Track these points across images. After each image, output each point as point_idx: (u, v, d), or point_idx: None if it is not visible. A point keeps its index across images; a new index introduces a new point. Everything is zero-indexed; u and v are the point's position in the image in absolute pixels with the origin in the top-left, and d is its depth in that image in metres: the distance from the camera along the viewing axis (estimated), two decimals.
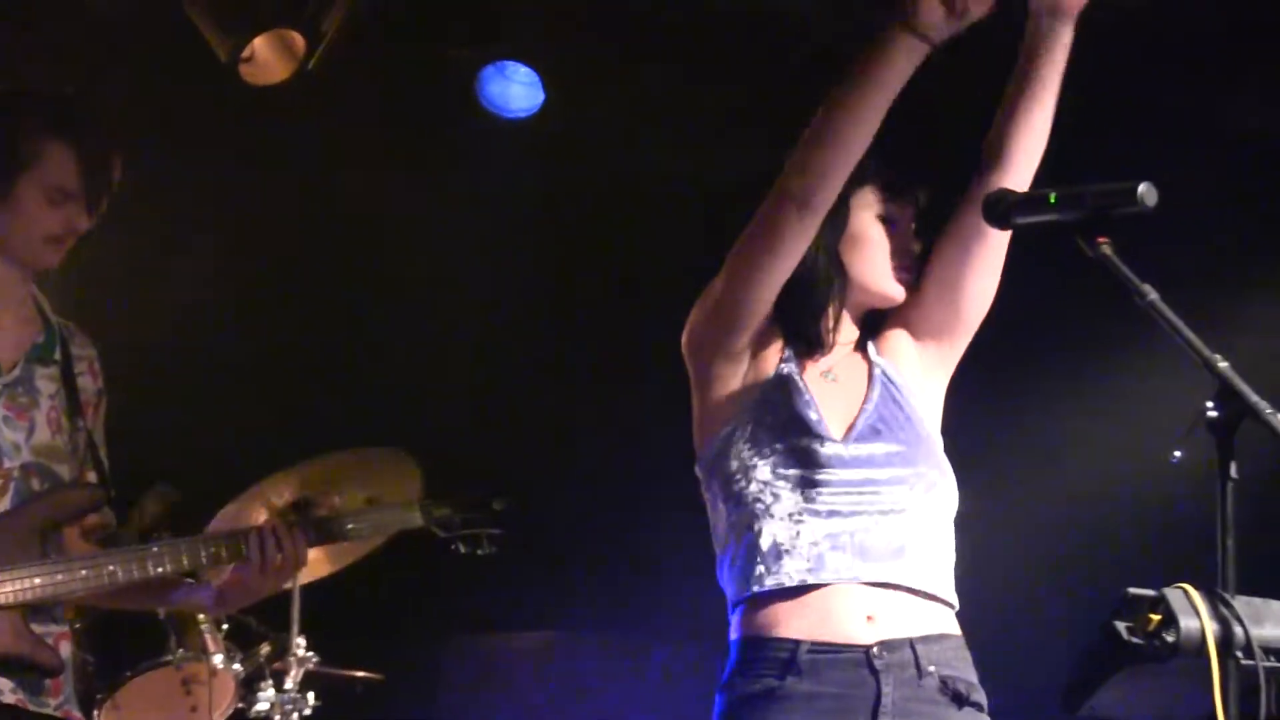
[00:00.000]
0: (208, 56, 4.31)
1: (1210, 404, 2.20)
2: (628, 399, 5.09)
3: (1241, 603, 2.19)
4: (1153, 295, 2.27)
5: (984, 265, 2.73)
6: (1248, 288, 4.38)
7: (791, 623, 2.58)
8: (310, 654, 4.41)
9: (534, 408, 5.36)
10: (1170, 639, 2.19)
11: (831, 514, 2.61)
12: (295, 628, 4.36)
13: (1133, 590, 2.25)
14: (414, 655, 5.16)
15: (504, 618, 5.31)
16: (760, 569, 2.60)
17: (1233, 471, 2.19)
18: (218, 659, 4.27)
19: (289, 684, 4.36)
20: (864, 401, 2.72)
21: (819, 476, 2.61)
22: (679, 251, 3.78)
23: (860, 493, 2.62)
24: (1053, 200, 2.36)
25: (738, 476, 2.65)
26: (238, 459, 4.41)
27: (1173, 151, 3.83)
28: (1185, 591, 2.21)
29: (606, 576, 5.04)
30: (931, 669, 2.58)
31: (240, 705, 4.40)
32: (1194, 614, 2.19)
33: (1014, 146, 2.66)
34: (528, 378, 5.36)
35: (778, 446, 2.63)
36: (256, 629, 4.52)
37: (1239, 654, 2.17)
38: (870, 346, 2.80)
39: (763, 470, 2.62)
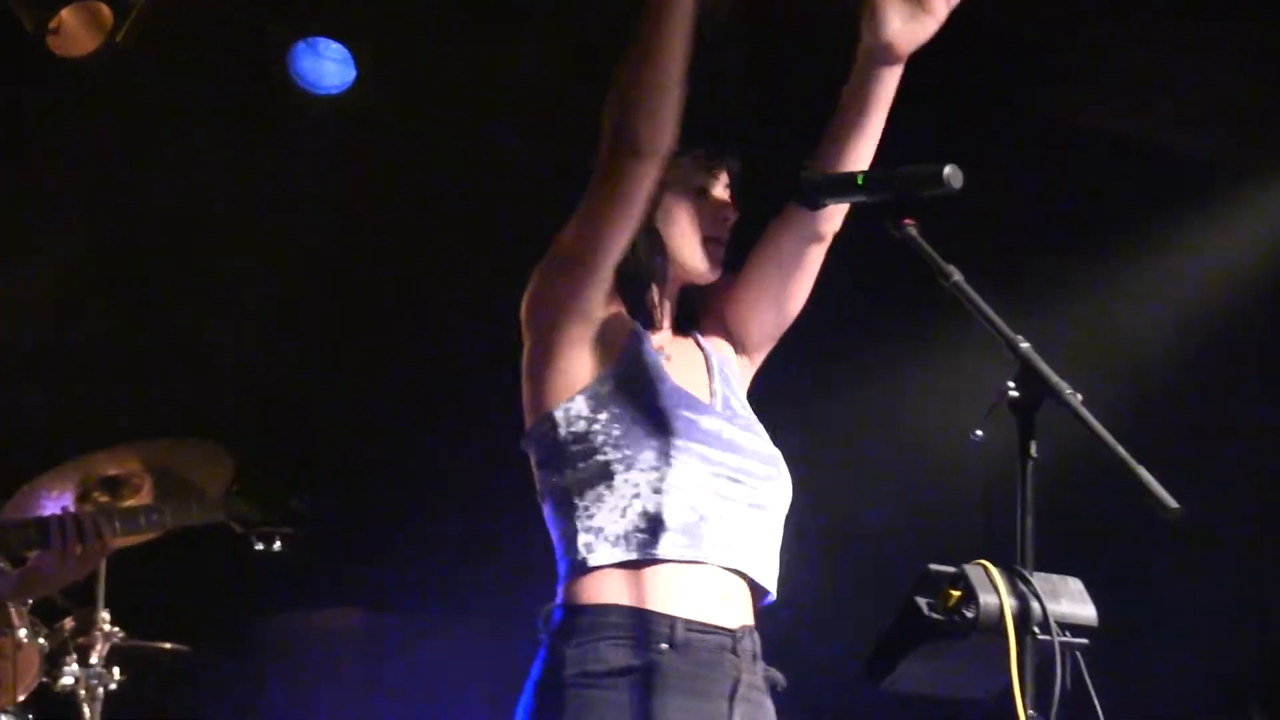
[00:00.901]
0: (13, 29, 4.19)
1: (1011, 384, 2.24)
2: (443, 382, 5.06)
3: (1040, 579, 2.24)
4: (957, 276, 2.31)
5: (802, 265, 2.74)
6: (1052, 271, 4.50)
7: (670, 598, 2.53)
8: (116, 628, 4.40)
9: (351, 392, 5.32)
10: (970, 615, 2.22)
11: (709, 492, 2.57)
12: (100, 601, 4.34)
13: (933, 566, 2.28)
14: (222, 628, 5.14)
15: (314, 593, 5.26)
16: (636, 539, 2.53)
17: (1033, 450, 2.24)
18: (21, 633, 4.21)
19: (94, 659, 4.35)
20: (710, 383, 2.70)
21: (699, 450, 2.57)
22: (488, 230, 3.76)
23: (735, 478, 2.60)
24: (860, 182, 2.38)
25: (601, 443, 2.55)
26: (44, 444, 4.28)
27: (979, 136, 3.90)
28: (985, 568, 2.24)
29: (418, 555, 5.02)
30: (759, 657, 2.60)
31: (45, 680, 4.34)
32: (993, 590, 2.22)
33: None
34: (344, 362, 5.30)
35: (653, 415, 2.57)
36: (61, 604, 4.46)
37: (1036, 630, 2.21)
38: (695, 331, 2.78)
39: (634, 438, 2.55)
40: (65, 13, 4.20)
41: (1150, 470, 2.20)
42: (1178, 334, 5.10)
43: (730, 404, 2.71)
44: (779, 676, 2.65)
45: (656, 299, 2.71)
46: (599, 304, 2.61)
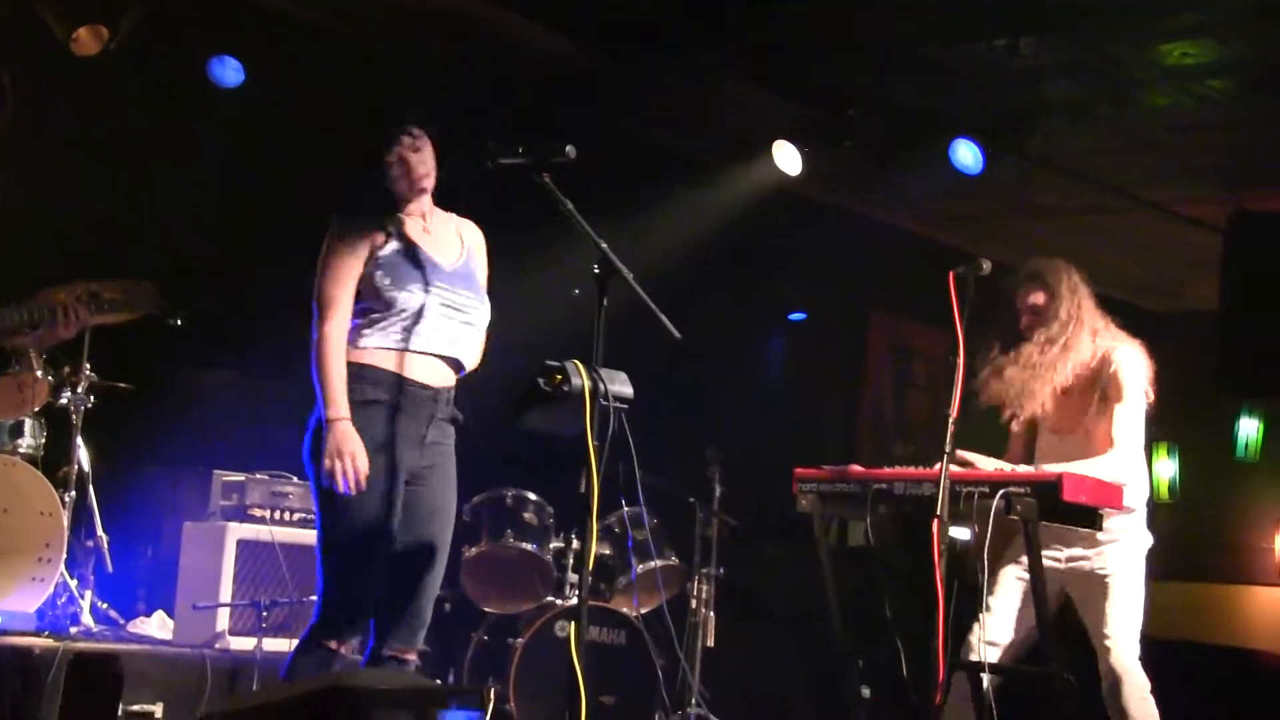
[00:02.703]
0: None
1: (596, 265, 3.84)
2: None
3: (604, 371, 3.81)
4: (569, 205, 3.88)
5: None
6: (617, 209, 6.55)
7: (427, 372, 4.16)
8: (93, 373, 6.21)
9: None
10: (566, 389, 3.76)
11: (439, 315, 4.18)
12: (84, 355, 6.12)
13: (548, 361, 3.82)
14: (152, 376, 6.62)
15: (206, 358, 7.08)
16: (404, 336, 4.10)
17: (604, 302, 3.80)
18: (39, 371, 5.89)
19: (80, 389, 6.16)
20: (460, 253, 4.27)
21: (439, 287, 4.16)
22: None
23: (458, 306, 4.22)
24: (520, 150, 3.91)
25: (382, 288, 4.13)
26: None
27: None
28: (576, 364, 3.80)
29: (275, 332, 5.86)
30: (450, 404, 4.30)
31: (50, 399, 6.08)
32: (580, 376, 3.77)
33: None
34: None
35: (412, 270, 4.15)
36: (62, 356, 6.08)
37: (601, 399, 3.78)
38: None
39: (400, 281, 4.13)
40: (81, 30, 6.11)
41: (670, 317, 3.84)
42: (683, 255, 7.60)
43: (468, 265, 4.30)
44: (458, 413, 4.28)
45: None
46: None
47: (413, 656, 4.19)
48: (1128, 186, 8.63)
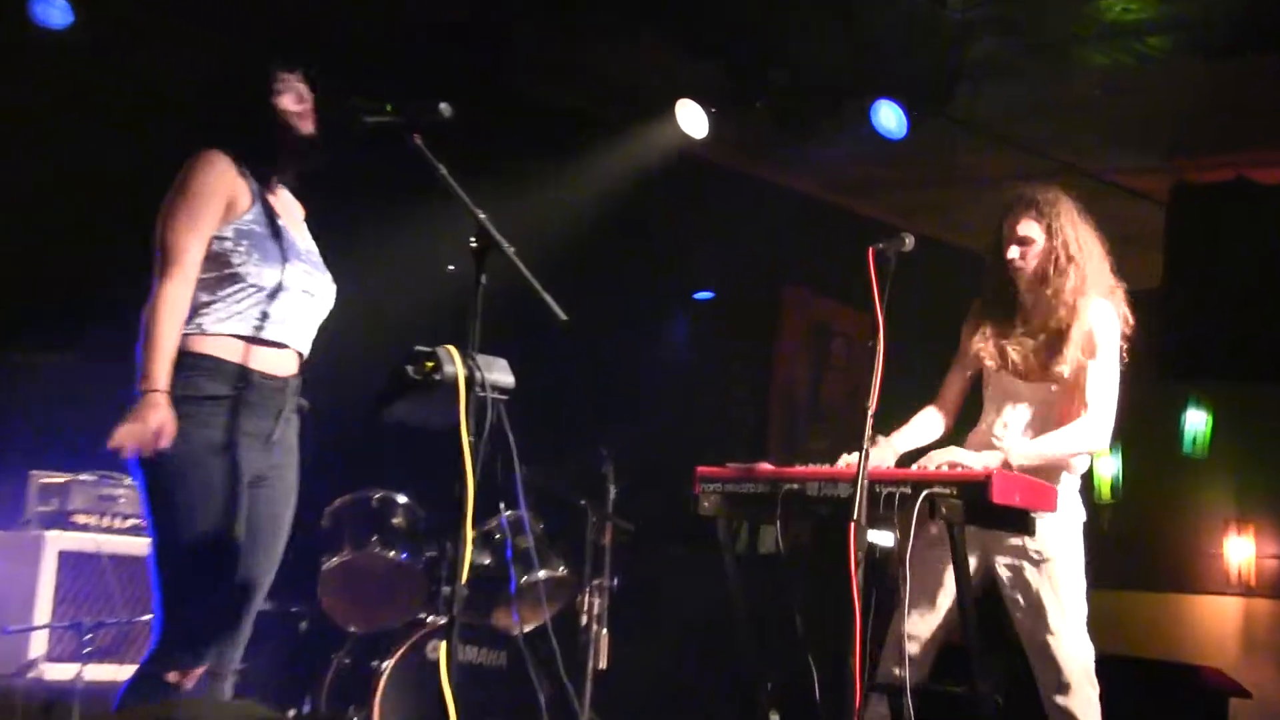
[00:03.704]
0: None
1: (473, 238, 3.79)
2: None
3: (481, 357, 3.75)
4: (444, 170, 3.85)
5: None
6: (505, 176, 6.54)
7: (276, 362, 4.13)
8: None
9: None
10: (438, 377, 3.71)
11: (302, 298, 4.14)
12: None
13: (418, 347, 3.76)
14: None
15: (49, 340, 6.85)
16: (257, 323, 4.04)
17: (482, 280, 3.76)
18: None
19: None
20: (302, 227, 4.21)
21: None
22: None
23: (307, 289, 4.18)
24: (390, 109, 3.87)
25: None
26: None
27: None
28: (448, 349, 3.75)
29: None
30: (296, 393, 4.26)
31: None
32: (453, 363, 3.72)
33: None
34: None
35: (272, 245, 4.09)
36: None
37: (478, 388, 3.74)
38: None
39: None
40: None
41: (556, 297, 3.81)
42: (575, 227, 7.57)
43: (310, 241, 4.27)
44: (305, 403, 4.24)
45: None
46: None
47: (228, 675, 4.13)
48: (1062, 154, 8.75)
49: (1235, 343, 8.95)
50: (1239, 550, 10.80)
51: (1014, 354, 5.02)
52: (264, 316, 4.07)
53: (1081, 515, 5.00)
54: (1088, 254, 4.99)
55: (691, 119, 7.81)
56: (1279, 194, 8.82)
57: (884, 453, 4.91)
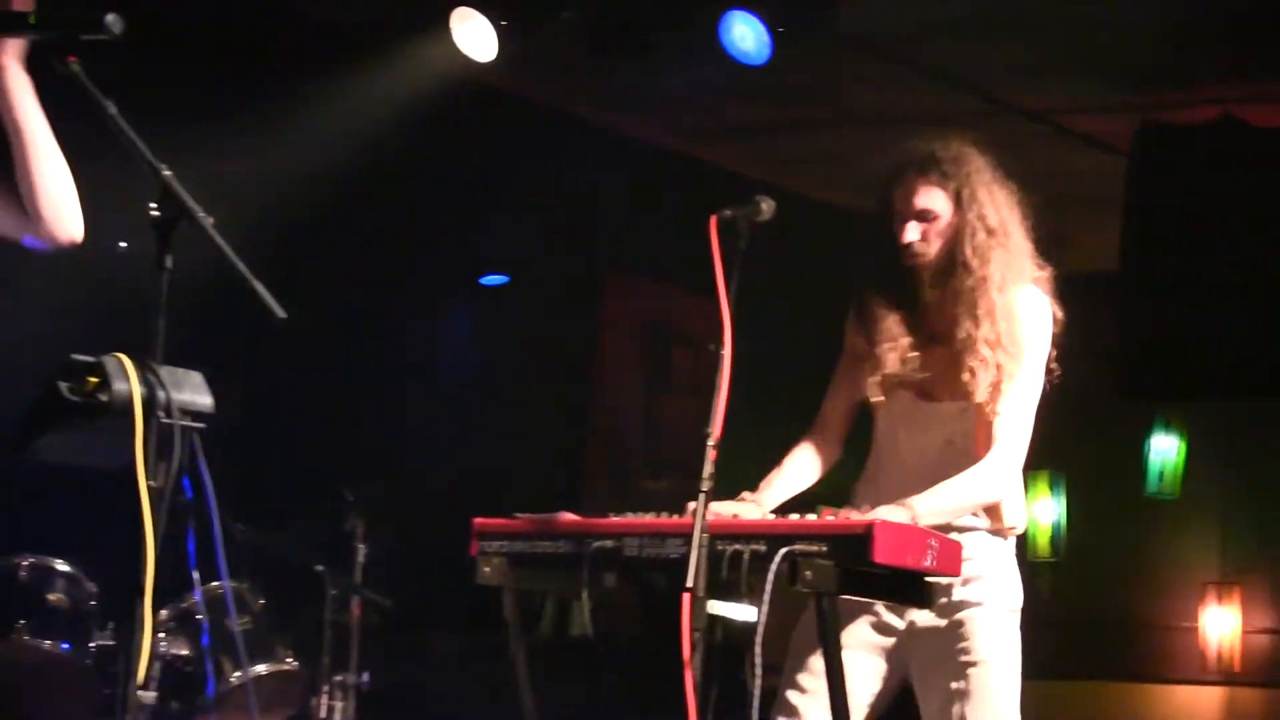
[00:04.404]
0: None
1: (154, 205, 3.73)
2: None
3: (166, 371, 3.71)
4: (113, 109, 3.81)
5: None
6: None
7: None
8: None
9: None
10: (104, 398, 3.65)
11: None
12: None
13: (75, 356, 3.69)
14: None
15: None
16: None
17: (168, 263, 3.72)
18: None
19: None
20: None
21: None
22: None
23: None
24: (32, 20, 3.84)
25: None
26: None
27: None
28: (120, 360, 3.67)
29: None
30: None
31: None
32: (125, 378, 3.66)
33: None
34: None
35: None
36: None
37: (161, 413, 3.68)
38: None
39: None
40: None
41: (276, 285, 3.77)
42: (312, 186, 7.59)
43: None
44: None
45: None
46: None
47: None
48: (989, 86, 8.91)
49: (1216, 347, 9.14)
50: (1220, 623, 11.06)
51: (914, 367, 5.09)
52: None
53: (1020, 595, 5.11)
54: (1009, 230, 5.07)
55: (473, 35, 7.82)
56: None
57: (750, 511, 4.95)
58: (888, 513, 4.68)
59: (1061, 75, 8.84)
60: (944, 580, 4.78)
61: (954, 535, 4.76)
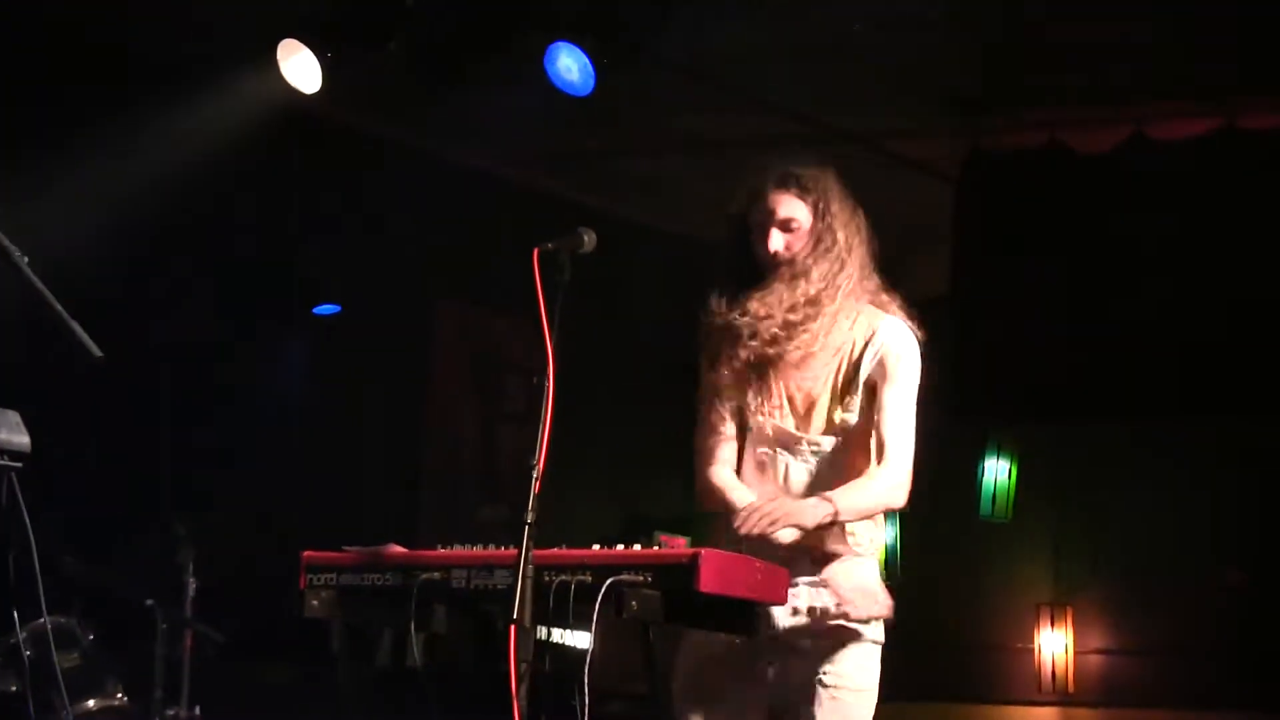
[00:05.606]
0: None
1: None
2: None
3: None
4: None
5: None
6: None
7: None
8: None
9: None
10: None
11: None
12: None
13: None
14: None
15: None
16: None
17: None
18: None
19: None
20: None
21: None
22: None
23: None
24: None
25: None
26: None
27: None
28: None
29: None
30: None
31: None
32: None
33: None
34: None
35: None
36: None
37: None
38: None
39: None
40: None
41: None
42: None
43: None
44: None
45: None
46: None
47: None
48: (815, 111, 8.96)
49: (1046, 370, 9.24)
50: (1053, 644, 11.19)
51: (780, 392, 5.13)
52: None
53: (888, 606, 5.25)
54: (854, 247, 5.13)
55: (299, 67, 7.82)
56: (1104, 165, 9.16)
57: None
58: (812, 507, 4.89)
59: (889, 100, 8.91)
60: (772, 604, 4.85)
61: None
